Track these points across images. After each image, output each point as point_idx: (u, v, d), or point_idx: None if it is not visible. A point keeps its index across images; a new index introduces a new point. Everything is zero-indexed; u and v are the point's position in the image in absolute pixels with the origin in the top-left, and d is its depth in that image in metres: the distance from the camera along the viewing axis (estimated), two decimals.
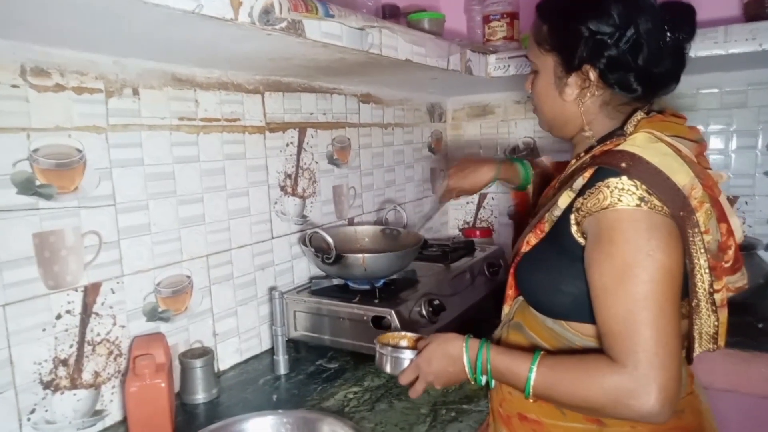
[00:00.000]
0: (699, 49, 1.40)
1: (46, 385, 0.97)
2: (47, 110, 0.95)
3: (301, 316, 1.39)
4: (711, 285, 0.80)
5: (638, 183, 0.76)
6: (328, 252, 1.32)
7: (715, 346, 0.85)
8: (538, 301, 0.93)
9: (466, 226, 2.32)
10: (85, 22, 0.79)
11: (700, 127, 1.83)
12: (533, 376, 0.81)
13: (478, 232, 2.14)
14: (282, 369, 1.27)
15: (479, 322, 1.46)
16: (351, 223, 1.74)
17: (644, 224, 0.76)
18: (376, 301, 1.31)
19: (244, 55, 1.08)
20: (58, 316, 0.98)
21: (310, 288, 1.45)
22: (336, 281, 1.45)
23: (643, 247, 0.75)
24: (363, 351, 1.30)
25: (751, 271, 1.54)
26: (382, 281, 1.41)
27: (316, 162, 1.58)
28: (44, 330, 0.96)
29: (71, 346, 1.00)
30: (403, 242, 1.53)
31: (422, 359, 0.94)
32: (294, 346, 1.40)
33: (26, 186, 0.93)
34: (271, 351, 1.34)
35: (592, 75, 0.87)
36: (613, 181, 0.78)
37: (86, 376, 1.03)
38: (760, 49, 1.35)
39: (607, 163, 0.80)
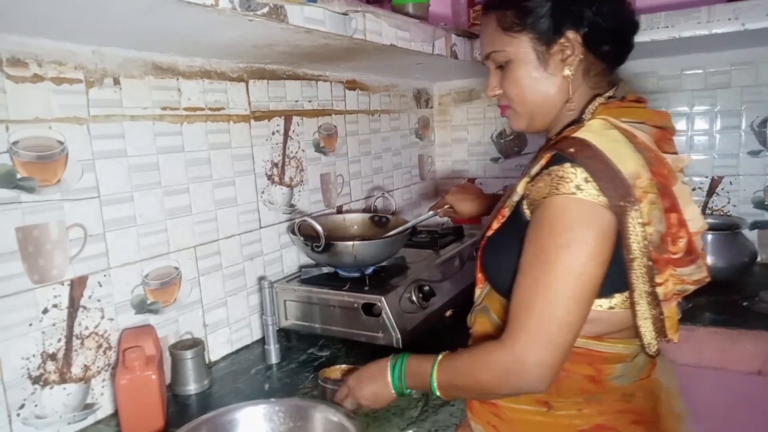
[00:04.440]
0: (683, 29, 1.40)
1: (35, 380, 0.96)
2: (26, 101, 0.93)
3: (291, 305, 1.39)
4: (652, 279, 0.79)
5: (579, 170, 0.76)
6: (317, 240, 1.32)
7: (665, 338, 0.84)
8: (497, 283, 0.93)
9: None
10: (62, 11, 0.77)
11: (685, 108, 1.86)
12: (435, 372, 0.86)
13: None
14: (273, 358, 1.27)
15: (470, 306, 1.47)
16: (339, 211, 1.73)
17: (570, 215, 0.76)
18: (366, 288, 1.31)
19: (227, 42, 1.06)
20: (45, 311, 0.97)
21: (299, 277, 1.45)
22: (326, 270, 1.44)
23: (557, 238, 0.77)
24: (354, 338, 1.30)
25: (736, 251, 1.58)
26: (371, 268, 1.41)
27: (303, 150, 1.57)
28: (31, 325, 0.95)
29: (59, 341, 0.99)
30: (392, 229, 1.53)
31: (352, 378, 0.98)
32: (285, 335, 1.40)
33: (7, 179, 0.91)
34: (262, 341, 1.34)
35: (573, 36, 0.86)
36: (555, 169, 0.78)
37: (75, 370, 1.02)
38: (743, 29, 1.35)
39: (560, 149, 0.81)
